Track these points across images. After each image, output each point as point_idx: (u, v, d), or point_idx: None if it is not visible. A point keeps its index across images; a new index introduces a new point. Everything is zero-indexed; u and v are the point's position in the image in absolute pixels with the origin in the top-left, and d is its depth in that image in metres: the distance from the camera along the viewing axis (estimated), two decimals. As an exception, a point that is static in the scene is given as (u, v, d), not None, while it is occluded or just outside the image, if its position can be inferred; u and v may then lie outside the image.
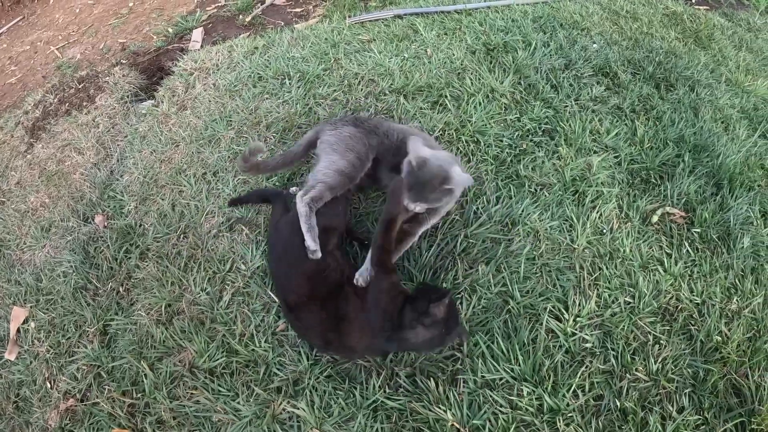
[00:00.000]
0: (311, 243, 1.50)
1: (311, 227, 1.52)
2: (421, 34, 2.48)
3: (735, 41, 3.11)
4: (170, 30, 3.36)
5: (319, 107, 2.12)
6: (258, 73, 2.37)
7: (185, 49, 3.12)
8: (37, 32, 4.12)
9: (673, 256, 1.80)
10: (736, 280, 1.80)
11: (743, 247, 1.88)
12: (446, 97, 2.12)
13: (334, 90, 2.18)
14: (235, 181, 1.97)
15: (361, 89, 2.17)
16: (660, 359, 1.56)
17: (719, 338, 1.64)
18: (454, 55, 2.32)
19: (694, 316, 1.69)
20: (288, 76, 2.30)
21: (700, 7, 3.79)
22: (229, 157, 2.06)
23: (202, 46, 3.11)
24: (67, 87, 2.98)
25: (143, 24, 3.58)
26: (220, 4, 3.51)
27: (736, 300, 1.75)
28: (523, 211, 1.76)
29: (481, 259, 1.67)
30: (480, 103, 2.09)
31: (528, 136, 2.00)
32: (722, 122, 2.38)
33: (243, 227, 1.85)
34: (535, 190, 1.84)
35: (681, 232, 1.88)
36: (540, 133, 2.01)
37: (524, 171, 1.87)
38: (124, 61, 3.16)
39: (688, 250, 1.82)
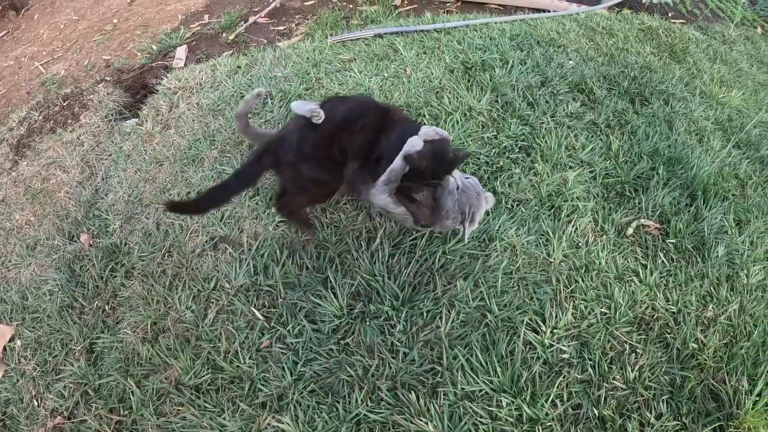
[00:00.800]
0: None
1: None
2: (401, 54, 2.60)
3: (710, 54, 3.27)
4: (154, 47, 3.47)
5: (299, 128, 2.22)
6: (240, 93, 2.47)
7: (169, 66, 3.23)
8: (22, 47, 4.23)
9: (648, 267, 1.90)
10: (712, 288, 1.90)
11: (718, 255, 1.98)
12: (425, 116, 2.23)
13: (316, 110, 2.28)
14: (219, 201, 2.05)
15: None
16: (637, 367, 1.64)
17: (695, 345, 1.73)
18: (432, 74, 2.44)
19: (670, 324, 1.78)
20: (270, 96, 2.41)
21: (676, 21, 3.97)
22: (212, 176, 2.14)
23: (185, 64, 3.22)
24: (52, 104, 3.07)
25: (127, 41, 3.69)
26: (203, 22, 3.63)
27: (712, 307, 1.85)
28: (500, 226, 1.86)
29: (459, 275, 1.76)
30: (458, 122, 2.20)
31: (505, 153, 2.10)
32: (696, 134, 2.50)
33: (227, 246, 1.93)
34: (512, 206, 1.94)
35: (656, 243, 1.98)
36: (517, 150, 2.12)
37: (501, 188, 1.97)
38: (108, 78, 3.26)
39: (663, 261, 1.92)
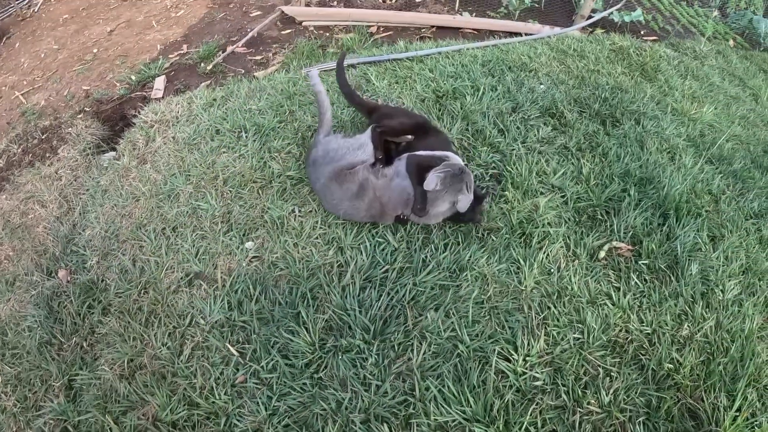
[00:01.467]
0: None
1: None
2: (374, 84, 2.68)
3: (681, 70, 3.37)
4: (133, 78, 3.56)
5: (273, 161, 2.28)
6: (216, 127, 2.54)
7: (147, 97, 3.32)
8: (2, 76, 4.32)
9: (621, 289, 1.94)
10: (687, 307, 1.94)
11: (692, 273, 2.03)
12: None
13: (288, 143, 2.35)
14: (193, 236, 2.10)
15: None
16: (612, 391, 1.67)
17: (671, 366, 1.76)
18: (404, 104, 2.52)
19: (644, 346, 1.82)
20: (244, 129, 2.48)
21: (649, 39, 4.11)
22: (187, 212, 2.19)
23: (164, 95, 3.31)
24: (31, 137, 3.15)
25: (107, 71, 3.78)
26: (182, 52, 3.74)
27: (688, 326, 1.89)
28: (470, 256, 1.91)
29: (430, 306, 1.80)
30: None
31: (476, 182, 2.16)
32: (668, 152, 2.58)
33: (201, 282, 1.97)
34: (483, 235, 1.99)
35: (629, 264, 2.03)
36: (487, 179, 2.18)
37: (471, 216, 2.03)
38: (87, 109, 3.35)
39: (636, 282, 1.97)
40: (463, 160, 2.15)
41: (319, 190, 2.01)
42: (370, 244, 1.93)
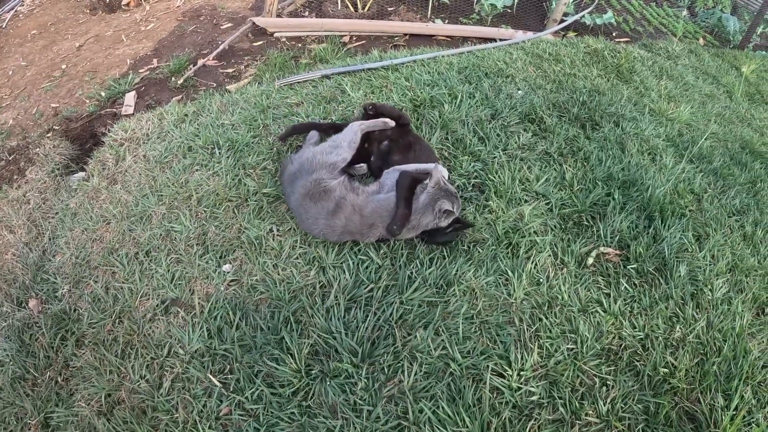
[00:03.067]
0: None
1: None
2: (349, 95, 2.63)
3: (656, 71, 3.42)
4: (103, 94, 3.44)
5: (248, 178, 2.20)
6: (188, 144, 2.45)
7: (118, 114, 3.20)
8: None
9: (611, 295, 1.92)
10: (677, 309, 1.94)
11: (680, 275, 2.03)
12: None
13: (263, 159, 2.28)
14: (168, 260, 2.00)
15: (289, 155, 2.27)
16: (609, 400, 1.64)
17: (666, 370, 1.75)
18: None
19: (638, 351, 1.80)
20: (218, 145, 2.40)
21: (621, 40, 4.17)
22: (161, 234, 2.09)
23: (134, 111, 3.20)
24: None
25: (76, 87, 3.65)
26: (152, 66, 3.63)
27: (679, 328, 1.88)
28: (457, 270, 1.86)
29: (419, 324, 1.74)
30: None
31: (459, 192, 2.12)
32: (649, 153, 2.59)
33: (178, 309, 1.87)
34: (469, 247, 1.95)
35: (617, 270, 2.01)
36: (470, 189, 2.15)
37: (455, 230, 1.99)
38: (56, 127, 3.22)
39: (626, 287, 1.95)
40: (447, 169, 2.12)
41: (294, 207, 1.94)
42: (353, 263, 1.87)
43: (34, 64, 4.04)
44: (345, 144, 2.04)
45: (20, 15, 5.00)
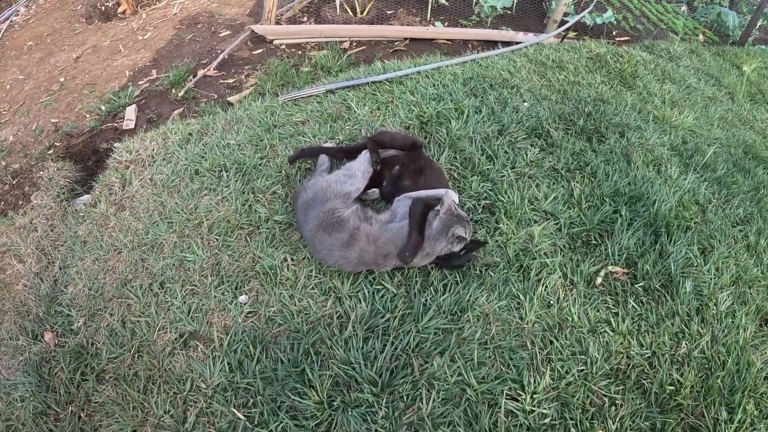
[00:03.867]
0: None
1: None
2: (355, 111, 2.63)
3: (658, 74, 3.42)
4: (103, 108, 3.41)
5: (258, 203, 2.21)
6: (194, 167, 2.44)
7: (119, 128, 3.18)
8: None
9: (620, 314, 1.97)
10: (683, 325, 1.99)
11: (686, 291, 2.07)
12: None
13: (273, 182, 2.29)
14: (183, 292, 2.02)
15: (299, 180, 2.28)
16: (618, 419, 1.70)
17: (672, 387, 1.81)
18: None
19: (645, 370, 1.85)
20: (225, 168, 2.39)
21: (621, 38, 4.14)
22: (174, 264, 2.11)
23: (136, 125, 3.17)
24: (1, 183, 2.98)
25: (75, 101, 3.61)
26: (152, 78, 3.59)
27: (685, 344, 1.94)
28: (470, 296, 1.90)
29: (435, 352, 1.78)
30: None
31: (469, 214, 2.14)
32: (654, 164, 2.62)
33: (197, 343, 1.90)
34: (481, 272, 1.98)
35: (625, 288, 2.06)
36: (480, 210, 2.17)
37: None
38: (57, 144, 3.21)
39: (633, 306, 2.00)
40: (456, 192, 2.14)
41: (308, 238, 1.96)
42: (369, 292, 1.90)
43: (32, 78, 3.99)
44: (359, 173, 2.05)
45: (15, 25, 4.92)
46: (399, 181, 2.10)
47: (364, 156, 2.12)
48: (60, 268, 2.37)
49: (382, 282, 1.92)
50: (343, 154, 2.25)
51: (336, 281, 1.93)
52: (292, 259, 2.01)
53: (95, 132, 3.21)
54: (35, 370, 2.05)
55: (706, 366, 1.91)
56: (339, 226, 1.87)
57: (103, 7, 4.62)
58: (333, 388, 1.74)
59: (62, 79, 3.86)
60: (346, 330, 1.83)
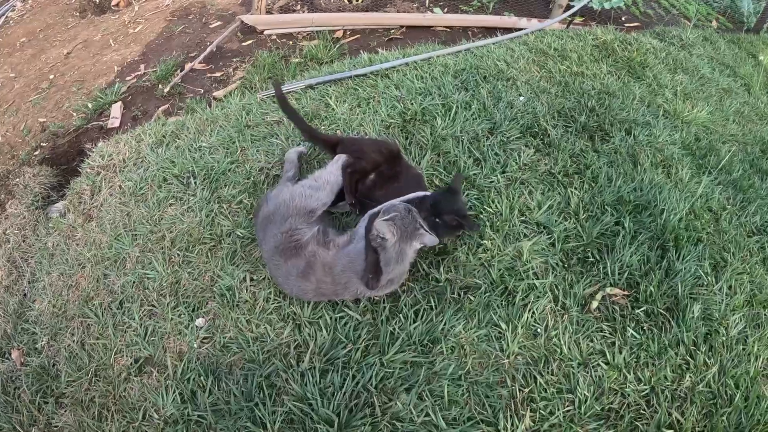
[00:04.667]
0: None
1: None
2: (333, 109, 2.24)
3: (669, 63, 2.90)
4: (90, 105, 3.10)
5: (222, 215, 1.89)
6: (163, 174, 2.12)
7: (104, 126, 2.88)
8: None
9: (616, 344, 1.61)
10: (688, 356, 1.62)
11: (693, 316, 1.69)
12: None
13: (239, 191, 1.95)
14: (141, 313, 1.74)
15: (266, 187, 1.94)
16: (607, 467, 1.37)
17: (671, 430, 1.46)
18: (366, 132, 2.09)
19: (642, 410, 1.51)
20: (193, 175, 2.06)
21: (631, 25, 3.58)
22: (134, 282, 1.82)
23: (121, 123, 2.88)
24: None
25: (63, 99, 3.31)
26: (139, 73, 3.25)
27: (689, 377, 1.58)
28: (445, 324, 1.56)
29: (401, 388, 1.46)
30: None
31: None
32: (663, 166, 2.18)
33: (152, 369, 1.62)
34: (459, 295, 1.63)
35: (624, 313, 1.68)
36: (462, 223, 1.78)
37: (445, 274, 1.66)
38: (44, 144, 2.93)
39: (632, 334, 1.63)
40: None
41: (266, 258, 1.63)
42: (330, 319, 1.58)
43: (23, 75, 3.70)
44: (327, 186, 1.70)
45: (11, 21, 4.60)
46: (372, 191, 1.73)
47: (336, 164, 1.75)
48: (29, 282, 2.11)
49: (346, 308, 1.59)
50: (317, 143, 1.91)
51: (296, 307, 1.61)
52: (251, 279, 1.69)
53: (81, 131, 2.92)
54: (1, 389, 1.81)
55: (711, 401, 1.55)
56: (296, 251, 1.53)
57: (97, 0, 4.26)
58: (287, 426, 1.44)
59: (52, 77, 3.56)
60: (303, 362, 1.51)
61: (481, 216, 1.81)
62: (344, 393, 1.46)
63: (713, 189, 2.17)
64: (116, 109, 2.97)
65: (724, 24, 4.16)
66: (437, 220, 1.60)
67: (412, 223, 1.49)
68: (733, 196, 2.21)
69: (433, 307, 1.60)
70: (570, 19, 3.25)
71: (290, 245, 1.53)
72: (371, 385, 1.47)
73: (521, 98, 2.31)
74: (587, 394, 1.51)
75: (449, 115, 2.16)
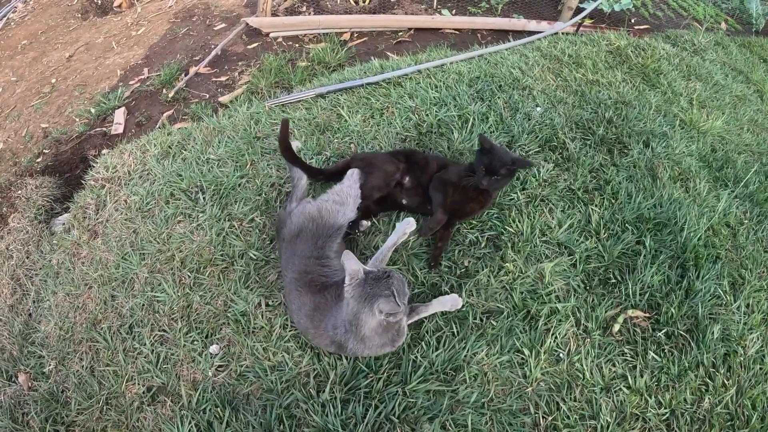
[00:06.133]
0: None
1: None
2: (346, 120, 2.14)
3: (683, 70, 2.81)
4: (92, 111, 2.96)
5: (233, 235, 1.80)
6: (170, 189, 2.01)
7: (107, 132, 2.76)
8: None
9: (638, 368, 1.57)
10: (707, 378, 1.58)
11: (713, 336, 1.64)
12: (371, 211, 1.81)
13: (251, 208, 1.86)
14: (152, 338, 1.66)
15: (278, 204, 1.85)
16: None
17: None
18: (381, 146, 2.00)
19: None
20: (202, 190, 1.97)
21: (641, 27, 3.46)
22: (143, 305, 1.74)
23: (125, 129, 2.75)
24: None
25: (66, 104, 3.17)
26: (143, 77, 3.11)
27: (708, 399, 1.54)
28: (467, 350, 1.49)
29: (424, 418, 1.41)
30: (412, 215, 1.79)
31: (470, 250, 1.70)
32: (681, 179, 2.11)
33: (166, 399, 1.55)
34: (481, 321, 1.57)
35: (645, 335, 1.64)
36: (483, 244, 1.72)
37: (467, 298, 1.59)
38: (46, 151, 2.80)
39: (653, 356, 1.59)
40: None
41: (287, 281, 1.54)
42: (351, 347, 1.49)
43: (24, 79, 3.54)
44: (350, 201, 1.61)
45: (12, 23, 4.41)
46: (419, 184, 1.73)
47: (352, 178, 1.67)
48: (34, 302, 2.01)
49: (366, 336, 1.51)
50: (331, 179, 1.81)
51: (314, 334, 1.53)
52: (267, 305, 1.61)
53: (84, 137, 2.79)
54: (9, 415, 1.73)
55: (729, 423, 1.52)
56: (318, 288, 1.44)
57: (99, 1, 4.09)
58: (309, 459, 1.39)
59: (54, 81, 3.40)
60: (323, 392, 1.45)
61: (502, 237, 1.74)
62: (366, 424, 1.40)
63: (730, 203, 2.11)
64: (120, 115, 2.85)
65: (732, 26, 4.06)
66: (496, 177, 1.61)
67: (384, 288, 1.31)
68: (750, 209, 2.15)
69: (456, 333, 1.54)
70: (580, 22, 3.14)
71: (319, 278, 1.45)
72: (394, 415, 1.41)
73: (538, 108, 2.22)
74: (609, 420, 1.47)
75: (466, 128, 2.08)
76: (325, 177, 1.82)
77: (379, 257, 1.55)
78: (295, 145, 1.94)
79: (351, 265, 1.31)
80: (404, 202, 1.77)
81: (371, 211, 1.78)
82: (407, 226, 1.57)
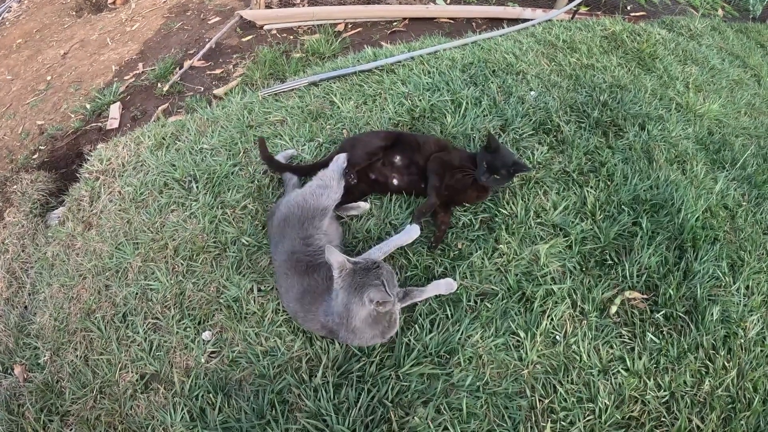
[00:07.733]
0: None
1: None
2: (338, 107, 2.11)
3: (679, 54, 2.76)
4: (88, 106, 2.94)
5: (226, 222, 1.77)
6: (163, 178, 1.99)
7: (103, 128, 2.73)
8: None
9: (636, 350, 1.53)
10: (707, 360, 1.54)
11: (713, 318, 1.60)
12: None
13: (243, 195, 1.83)
14: (145, 326, 1.64)
15: (272, 192, 1.82)
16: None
17: None
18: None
19: (662, 417, 1.43)
20: (195, 179, 1.94)
21: (637, 14, 3.41)
22: (137, 293, 1.72)
23: (120, 124, 2.73)
24: None
25: (61, 100, 3.14)
26: (137, 72, 3.08)
27: (708, 381, 1.50)
28: (462, 333, 1.46)
29: (418, 402, 1.37)
30: (404, 199, 1.76)
31: (463, 232, 1.67)
32: (678, 162, 2.07)
33: (159, 386, 1.53)
34: (475, 303, 1.53)
35: (643, 317, 1.60)
36: (476, 226, 1.68)
37: (461, 280, 1.56)
38: (42, 147, 2.78)
39: (652, 339, 1.55)
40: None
41: (276, 265, 1.52)
42: (343, 331, 1.46)
43: (20, 77, 3.51)
44: (335, 183, 1.59)
45: (6, 23, 4.38)
46: (411, 164, 1.71)
47: (337, 163, 1.65)
48: (29, 294, 1.99)
49: (359, 319, 1.48)
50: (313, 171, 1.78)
51: (306, 318, 1.50)
52: (259, 290, 1.58)
53: (79, 133, 2.77)
54: (5, 407, 1.71)
55: (730, 405, 1.48)
56: (306, 269, 1.41)
57: (93, -2, 4.03)
58: (302, 444, 1.36)
59: (49, 78, 3.37)
60: (316, 376, 1.42)
61: (496, 219, 1.71)
62: (360, 408, 1.37)
63: (728, 185, 2.06)
64: (115, 110, 2.82)
65: (730, 12, 4.00)
66: (496, 176, 1.63)
67: (373, 279, 1.30)
68: (748, 192, 2.10)
69: (449, 315, 1.51)
70: (575, 9, 3.09)
71: (305, 257, 1.42)
72: (387, 399, 1.38)
73: (532, 93, 2.18)
74: (608, 402, 1.43)
75: (459, 112, 2.04)
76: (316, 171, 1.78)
77: (383, 248, 1.53)
78: (290, 153, 1.93)
79: (335, 257, 1.31)
80: (395, 182, 1.73)
81: (365, 192, 1.76)
82: (414, 232, 1.58)
